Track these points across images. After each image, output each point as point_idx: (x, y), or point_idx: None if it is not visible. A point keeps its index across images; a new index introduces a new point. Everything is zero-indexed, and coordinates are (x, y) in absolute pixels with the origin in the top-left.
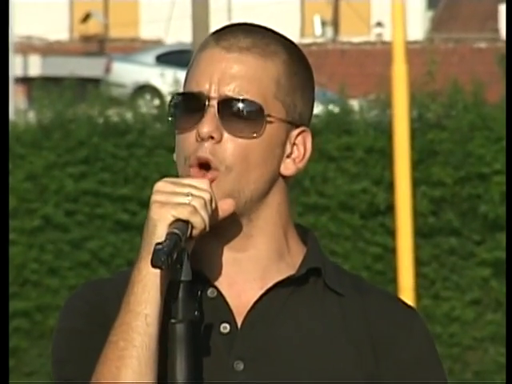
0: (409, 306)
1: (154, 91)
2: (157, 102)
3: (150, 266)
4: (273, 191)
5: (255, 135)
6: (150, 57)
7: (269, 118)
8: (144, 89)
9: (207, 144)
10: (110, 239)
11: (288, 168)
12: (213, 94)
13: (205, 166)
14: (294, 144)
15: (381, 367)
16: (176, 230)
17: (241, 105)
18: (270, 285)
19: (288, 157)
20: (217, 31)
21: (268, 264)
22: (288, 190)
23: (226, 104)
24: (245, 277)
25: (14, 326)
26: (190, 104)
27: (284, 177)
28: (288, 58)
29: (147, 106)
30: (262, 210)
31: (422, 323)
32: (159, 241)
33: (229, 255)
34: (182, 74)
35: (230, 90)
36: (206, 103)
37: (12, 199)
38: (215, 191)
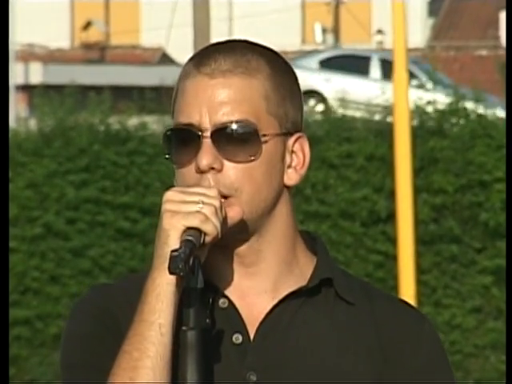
0: (417, 311)
1: (319, 96)
2: (321, 107)
3: (163, 275)
4: (279, 204)
5: (253, 158)
6: (314, 62)
7: (264, 138)
8: (308, 94)
9: (209, 175)
10: (111, 247)
11: (291, 178)
12: (205, 125)
13: None
14: (293, 152)
15: (391, 373)
16: (190, 237)
17: (234, 129)
18: (281, 296)
19: (289, 167)
20: (195, 56)
21: (278, 276)
22: (292, 199)
23: (219, 132)
24: (256, 289)
25: (14, 335)
26: (183, 138)
27: (287, 187)
28: (271, 70)
29: (312, 111)
30: (271, 223)
31: (430, 328)
32: (174, 248)
33: (240, 269)
34: (346, 80)
35: (221, 117)
36: (200, 135)
37: (13, 207)
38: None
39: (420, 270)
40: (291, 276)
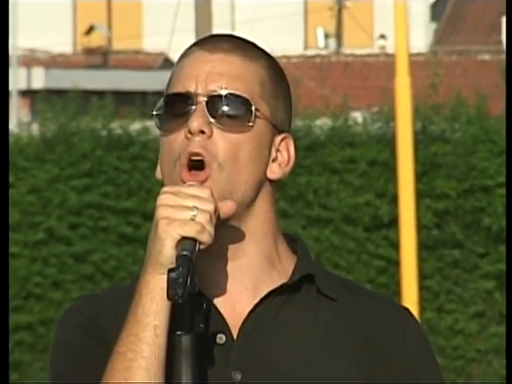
0: (402, 307)
1: None
2: None
3: (157, 281)
4: (260, 197)
5: (245, 129)
6: None
7: (257, 113)
8: None
9: (198, 138)
10: (114, 252)
11: (274, 172)
12: (200, 92)
13: (196, 166)
14: (278, 150)
15: (377, 369)
16: (186, 252)
17: (229, 100)
18: (263, 294)
19: (273, 161)
20: (198, 41)
21: (259, 272)
22: (274, 197)
23: (214, 100)
24: (238, 286)
25: (17, 340)
26: (176, 104)
27: (270, 182)
28: (269, 64)
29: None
30: (251, 216)
31: (415, 323)
32: (169, 263)
33: (220, 264)
34: None
35: (217, 87)
36: (194, 101)
37: (15, 212)
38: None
39: (422, 275)
40: (273, 273)
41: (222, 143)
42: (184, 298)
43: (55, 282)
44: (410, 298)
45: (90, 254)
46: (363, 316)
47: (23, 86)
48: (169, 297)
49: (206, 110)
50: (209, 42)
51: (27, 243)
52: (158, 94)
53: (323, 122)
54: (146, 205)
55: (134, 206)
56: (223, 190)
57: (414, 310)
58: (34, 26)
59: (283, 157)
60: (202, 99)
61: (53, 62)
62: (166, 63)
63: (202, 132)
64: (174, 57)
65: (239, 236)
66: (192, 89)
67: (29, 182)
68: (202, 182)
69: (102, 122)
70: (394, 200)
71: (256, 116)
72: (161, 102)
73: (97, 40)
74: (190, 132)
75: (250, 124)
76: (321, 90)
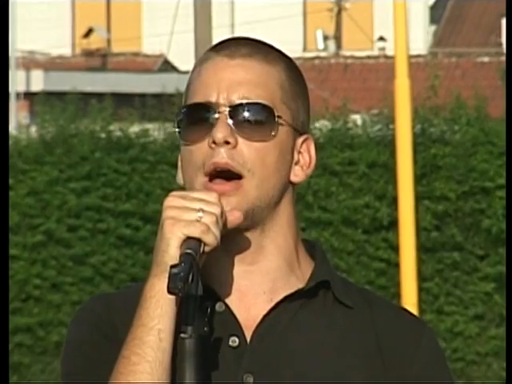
0: (417, 318)
1: None
2: None
3: (162, 283)
4: (284, 200)
5: (269, 137)
6: None
7: (280, 120)
8: None
9: (223, 149)
10: (113, 254)
11: (297, 175)
12: (222, 101)
13: (220, 175)
14: (300, 152)
15: (390, 379)
16: (190, 251)
17: (252, 109)
18: (279, 298)
19: (296, 164)
20: (215, 45)
21: (278, 276)
22: (295, 202)
23: (237, 110)
24: (255, 290)
25: (16, 342)
26: (199, 115)
27: (291, 185)
28: (287, 66)
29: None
30: (274, 219)
31: (430, 335)
32: (173, 262)
33: (240, 268)
34: None
35: (239, 96)
36: (217, 111)
37: (14, 215)
38: (241, 199)
39: (422, 278)
40: (291, 278)
41: (248, 152)
42: (184, 292)
43: (54, 284)
44: (409, 300)
45: (89, 257)
46: (378, 325)
47: (22, 88)
48: (169, 290)
49: (229, 119)
50: (227, 46)
51: (26, 245)
52: (157, 96)
53: (323, 124)
54: (145, 207)
55: (133, 208)
56: (254, 197)
57: (414, 312)
58: (32, 28)
59: (305, 159)
60: (225, 109)
61: (52, 64)
62: (165, 65)
63: (227, 143)
64: (174, 59)
65: (262, 239)
66: (213, 98)
67: (28, 184)
68: (237, 190)
69: (101, 125)
70: (393, 202)
71: (279, 123)
72: (182, 111)
73: (96, 42)
74: (214, 142)
75: (273, 133)
76: (320, 92)
